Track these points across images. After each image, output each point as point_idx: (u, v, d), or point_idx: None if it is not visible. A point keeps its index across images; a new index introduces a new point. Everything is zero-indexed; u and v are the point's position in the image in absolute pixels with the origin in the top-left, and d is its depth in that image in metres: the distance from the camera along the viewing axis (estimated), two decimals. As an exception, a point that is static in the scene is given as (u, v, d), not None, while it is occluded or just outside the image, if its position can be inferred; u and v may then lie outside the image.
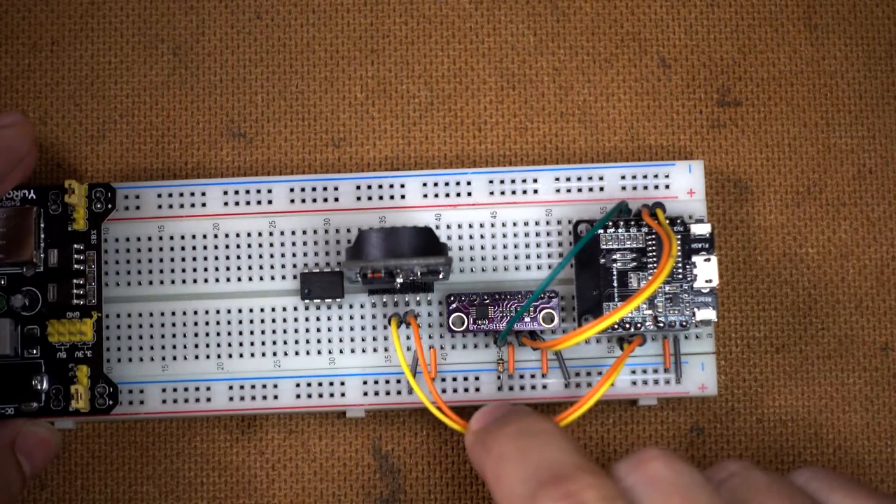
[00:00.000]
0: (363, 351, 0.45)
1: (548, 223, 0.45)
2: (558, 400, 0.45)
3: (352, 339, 0.45)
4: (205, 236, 0.45)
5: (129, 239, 0.45)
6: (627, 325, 0.43)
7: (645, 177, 0.45)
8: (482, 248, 0.45)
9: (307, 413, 0.46)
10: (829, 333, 0.47)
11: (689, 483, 0.34)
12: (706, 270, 0.43)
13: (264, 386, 0.45)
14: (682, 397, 0.45)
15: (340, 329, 0.45)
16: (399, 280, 0.43)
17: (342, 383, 0.45)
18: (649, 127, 0.48)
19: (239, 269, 0.45)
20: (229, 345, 0.45)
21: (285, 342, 0.45)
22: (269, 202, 0.45)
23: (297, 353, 0.45)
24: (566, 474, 0.33)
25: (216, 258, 0.45)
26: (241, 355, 0.45)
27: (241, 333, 0.45)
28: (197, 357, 0.45)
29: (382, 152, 0.47)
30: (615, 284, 0.44)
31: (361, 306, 0.45)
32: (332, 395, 0.45)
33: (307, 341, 0.45)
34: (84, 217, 0.45)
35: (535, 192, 0.45)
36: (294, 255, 0.45)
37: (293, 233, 0.45)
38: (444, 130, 0.48)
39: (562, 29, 0.48)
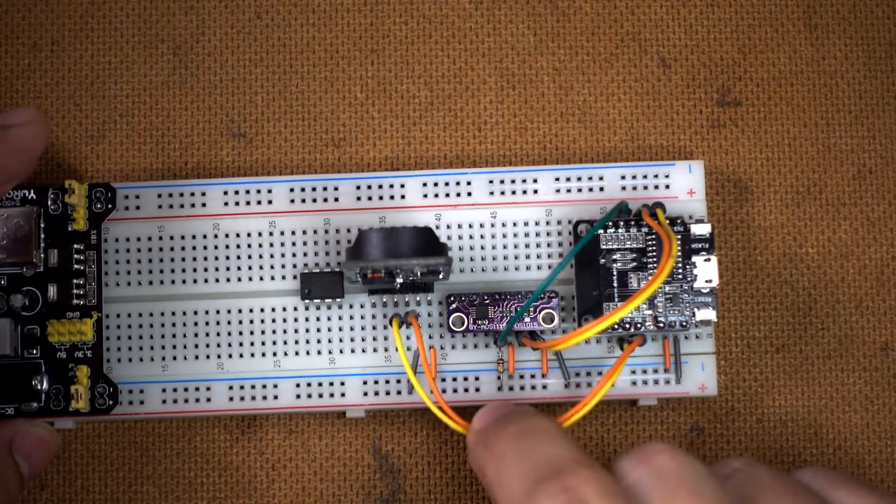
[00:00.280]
0: (363, 351, 0.45)
1: (548, 223, 0.45)
2: (558, 400, 0.45)
3: (352, 339, 0.45)
4: (205, 236, 0.45)
5: (129, 239, 0.45)
6: (627, 326, 0.43)
7: (645, 177, 0.45)
8: (482, 248, 0.45)
9: (307, 413, 0.46)
10: (829, 333, 0.47)
11: (694, 476, 0.34)
12: (706, 270, 0.43)
13: (264, 386, 0.45)
14: (682, 397, 0.45)
15: (340, 329, 0.45)
16: (399, 280, 0.43)
17: (342, 383, 0.45)
18: (649, 127, 0.48)
19: (239, 269, 0.45)
20: (229, 345, 0.45)
21: (285, 342, 0.45)
22: (269, 202, 0.45)
23: (297, 353, 0.45)
24: (564, 469, 0.33)
25: (216, 258, 0.45)
26: (241, 355, 0.45)
27: (241, 333, 0.45)
28: (197, 357, 0.45)
29: (382, 152, 0.47)
30: (615, 284, 0.44)
31: (361, 306, 0.45)
32: (332, 395, 0.45)
33: (307, 341, 0.45)
34: (84, 217, 0.45)
35: (535, 192, 0.45)
36: (294, 255, 0.45)
37: (293, 233, 0.45)
38: (444, 130, 0.48)
39: (562, 29, 0.48)
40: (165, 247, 0.45)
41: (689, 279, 0.43)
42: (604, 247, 0.44)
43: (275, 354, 0.45)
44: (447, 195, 0.45)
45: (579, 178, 0.45)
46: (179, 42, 0.48)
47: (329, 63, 0.48)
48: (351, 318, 0.45)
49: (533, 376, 0.45)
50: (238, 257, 0.45)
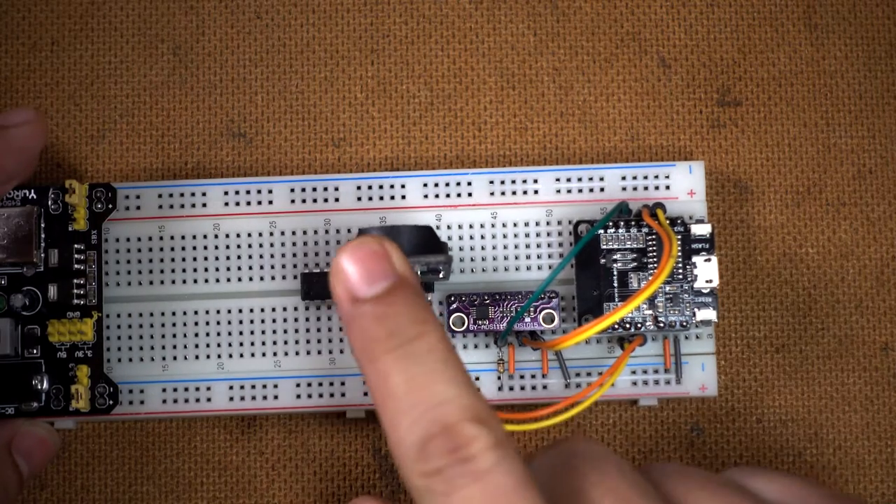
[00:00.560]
0: (363, 351, 0.45)
1: (548, 223, 0.45)
2: (559, 400, 0.45)
3: (352, 339, 0.45)
4: (205, 236, 0.45)
5: (129, 239, 0.45)
6: (628, 326, 0.43)
7: (645, 177, 0.45)
8: (482, 248, 0.45)
9: (307, 413, 0.46)
10: (829, 333, 0.47)
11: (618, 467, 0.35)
12: (706, 271, 0.43)
13: (264, 386, 0.45)
14: (683, 397, 0.45)
15: (340, 329, 0.45)
16: (399, 280, 0.43)
17: (342, 383, 0.45)
18: (649, 127, 0.48)
19: (239, 269, 0.45)
20: (229, 345, 0.45)
21: (285, 342, 0.45)
22: (270, 202, 0.45)
23: (297, 353, 0.45)
24: (452, 423, 0.33)
25: (216, 258, 0.45)
26: (241, 355, 0.45)
27: (241, 333, 0.45)
28: (197, 357, 0.45)
29: (382, 152, 0.47)
30: (615, 284, 0.44)
31: (362, 306, 0.45)
32: (332, 395, 0.45)
33: (307, 341, 0.45)
34: (84, 217, 0.45)
35: (536, 192, 0.45)
36: (294, 255, 0.45)
37: (293, 233, 0.45)
38: (444, 130, 0.48)
39: (562, 29, 0.48)
40: (166, 247, 0.45)
41: (689, 279, 0.43)
42: (604, 247, 0.44)
43: (275, 354, 0.45)
44: (447, 195, 0.45)
45: (579, 179, 0.45)
46: (179, 42, 0.48)
47: (329, 63, 0.48)
48: (351, 318, 0.45)
49: (533, 376, 0.45)
50: (238, 257, 0.45)
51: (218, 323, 0.45)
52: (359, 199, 0.45)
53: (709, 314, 0.43)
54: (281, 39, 0.48)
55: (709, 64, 0.48)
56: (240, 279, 0.45)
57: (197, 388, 0.45)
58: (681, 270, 0.43)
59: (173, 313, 0.45)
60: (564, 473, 0.35)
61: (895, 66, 0.48)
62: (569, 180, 0.45)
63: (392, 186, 0.45)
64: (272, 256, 0.45)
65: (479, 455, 0.32)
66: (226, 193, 0.45)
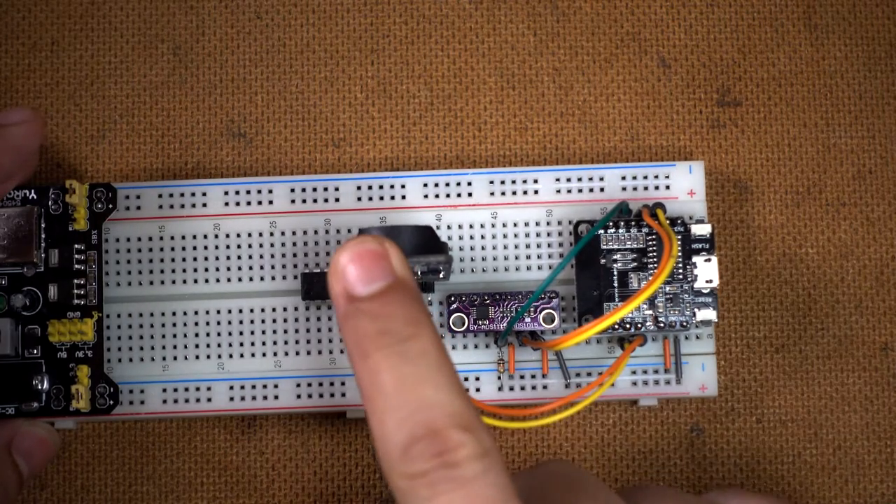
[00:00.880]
0: (363, 351, 0.45)
1: (548, 223, 0.45)
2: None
3: (352, 340, 0.45)
4: (205, 236, 0.45)
5: (129, 239, 0.45)
6: (628, 326, 0.43)
7: (645, 177, 0.45)
8: (483, 248, 0.45)
9: (307, 413, 0.46)
10: (829, 333, 0.47)
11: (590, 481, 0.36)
12: (706, 271, 0.43)
13: (264, 386, 0.45)
14: (683, 398, 0.45)
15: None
16: (400, 280, 0.43)
17: (342, 383, 0.45)
18: (649, 127, 0.48)
19: (239, 269, 0.45)
20: (230, 345, 0.45)
21: (285, 342, 0.45)
22: (270, 202, 0.45)
23: (297, 353, 0.45)
24: (439, 428, 0.33)
25: (217, 258, 0.45)
26: (241, 355, 0.45)
27: (241, 333, 0.45)
28: (197, 357, 0.45)
29: (382, 152, 0.47)
30: (615, 284, 0.44)
31: (362, 306, 0.45)
32: (332, 395, 0.45)
33: (307, 341, 0.45)
34: (85, 217, 0.45)
35: (536, 192, 0.45)
36: (294, 255, 0.45)
37: (294, 233, 0.45)
38: (444, 130, 0.48)
39: (562, 29, 0.48)
40: (166, 247, 0.45)
41: (689, 279, 0.43)
42: (604, 247, 0.44)
43: (275, 354, 0.45)
44: (448, 195, 0.45)
45: (580, 179, 0.45)
46: (179, 42, 0.48)
47: (329, 63, 0.48)
48: (351, 318, 0.45)
49: (533, 376, 0.45)
50: (238, 257, 0.45)
51: (218, 323, 0.45)
52: (359, 199, 0.45)
53: (709, 314, 0.43)
54: (281, 39, 0.48)
55: (709, 64, 0.48)
56: (240, 279, 0.45)
57: (197, 388, 0.45)
58: (681, 270, 0.43)
59: (173, 313, 0.45)
60: (544, 493, 0.35)
61: (895, 66, 0.48)
62: (569, 180, 0.45)
63: (392, 186, 0.45)
64: (272, 256, 0.45)
65: (465, 462, 0.32)
66: (226, 193, 0.45)
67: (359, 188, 0.45)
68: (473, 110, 0.48)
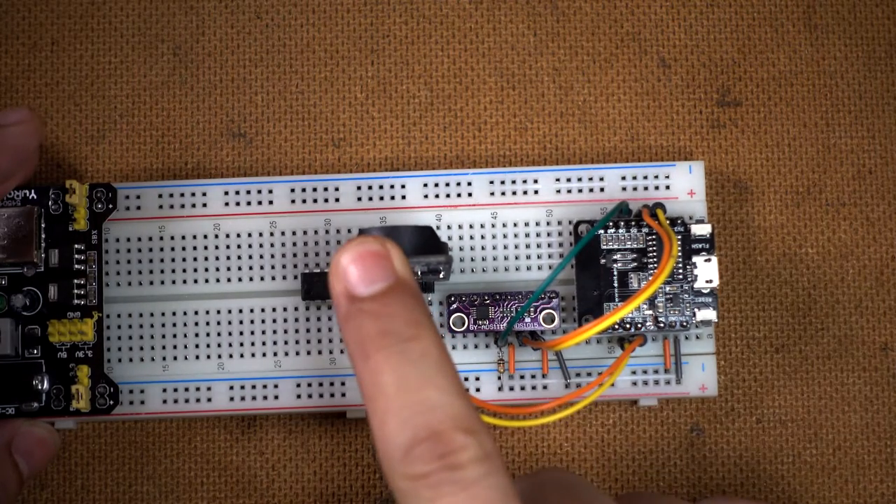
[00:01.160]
0: (364, 351, 0.45)
1: (548, 223, 0.45)
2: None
3: (352, 340, 0.45)
4: (205, 236, 0.45)
5: (129, 239, 0.45)
6: (628, 326, 0.43)
7: (645, 177, 0.45)
8: (483, 248, 0.45)
9: (307, 413, 0.46)
10: (829, 333, 0.47)
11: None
12: (706, 271, 0.43)
13: (264, 386, 0.45)
14: (683, 398, 0.45)
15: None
16: (400, 280, 0.43)
17: (342, 383, 0.45)
18: (649, 127, 0.48)
19: (239, 269, 0.45)
20: (230, 345, 0.45)
21: (285, 342, 0.45)
22: (270, 202, 0.45)
23: (297, 353, 0.45)
24: (442, 430, 0.33)
25: (217, 258, 0.45)
26: (241, 355, 0.45)
27: (241, 333, 0.45)
28: (197, 357, 0.45)
29: (382, 152, 0.47)
30: (615, 285, 0.44)
31: (362, 306, 0.45)
32: (332, 395, 0.45)
33: (307, 341, 0.45)
34: (85, 217, 0.45)
35: (536, 192, 0.45)
36: (294, 255, 0.45)
37: (294, 233, 0.45)
38: (444, 130, 0.48)
39: (562, 29, 0.48)
40: (166, 247, 0.45)
41: (689, 279, 0.43)
42: (604, 247, 0.44)
43: (275, 354, 0.45)
44: (448, 195, 0.45)
45: (580, 179, 0.45)
46: (179, 42, 0.48)
47: (329, 63, 0.48)
48: (351, 318, 0.45)
49: (533, 376, 0.45)
50: (238, 257, 0.45)
51: (218, 323, 0.45)
52: (359, 199, 0.45)
53: (709, 314, 0.43)
54: (281, 39, 0.48)
55: (709, 64, 0.48)
56: (240, 279, 0.45)
57: (197, 388, 0.45)
58: (681, 270, 0.43)
59: (173, 313, 0.45)
60: (543, 497, 0.35)
61: (895, 66, 0.48)
62: (569, 180, 0.45)
63: (392, 186, 0.45)
64: (272, 256, 0.45)
65: (467, 465, 0.32)
66: (226, 193, 0.45)
67: (359, 188, 0.45)
68: (473, 110, 0.48)
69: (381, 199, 0.45)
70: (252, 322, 0.45)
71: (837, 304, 0.47)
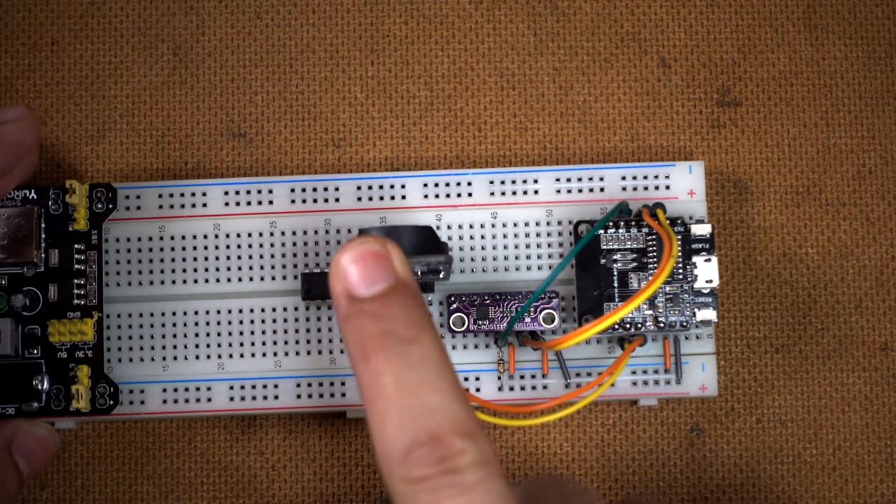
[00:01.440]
0: (364, 351, 0.45)
1: (548, 223, 0.45)
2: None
3: (352, 340, 0.45)
4: (205, 236, 0.45)
5: (129, 239, 0.45)
6: (628, 326, 0.43)
7: (645, 177, 0.45)
8: (483, 248, 0.45)
9: (307, 413, 0.46)
10: (829, 333, 0.47)
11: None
12: (706, 271, 0.43)
13: (264, 386, 0.45)
14: (683, 398, 0.45)
15: (341, 329, 0.45)
16: (400, 280, 0.43)
17: (342, 383, 0.45)
18: (649, 127, 0.48)
19: (239, 269, 0.45)
20: (230, 345, 0.45)
21: (286, 342, 0.45)
22: (270, 202, 0.45)
23: (297, 353, 0.45)
24: (442, 434, 0.33)
25: (217, 258, 0.45)
26: (241, 355, 0.45)
27: (241, 333, 0.45)
28: (197, 357, 0.45)
29: (382, 152, 0.47)
30: (615, 285, 0.44)
31: (362, 306, 0.45)
32: (332, 395, 0.45)
33: (307, 341, 0.45)
34: (85, 217, 0.45)
35: (536, 192, 0.45)
36: (294, 255, 0.45)
37: (294, 233, 0.45)
38: (444, 130, 0.48)
39: (562, 29, 0.48)
40: (166, 247, 0.45)
41: (689, 279, 0.43)
42: (604, 247, 0.44)
43: (275, 354, 0.45)
44: (448, 195, 0.45)
45: (580, 179, 0.45)
46: (179, 42, 0.48)
47: (329, 63, 0.48)
48: (351, 318, 0.45)
49: (533, 376, 0.45)
50: (238, 257, 0.45)
51: (218, 323, 0.45)
52: (359, 199, 0.45)
53: (709, 314, 0.43)
54: (281, 39, 0.48)
55: (709, 64, 0.48)
56: (240, 279, 0.45)
57: (197, 388, 0.45)
58: (681, 270, 0.43)
59: (173, 313, 0.45)
60: (543, 502, 0.35)
61: (895, 66, 0.48)
62: (569, 180, 0.45)
63: (392, 186, 0.45)
64: (272, 256, 0.45)
65: (466, 469, 0.32)
66: (226, 193, 0.45)
67: (359, 188, 0.45)
68: (473, 110, 0.48)
69: (381, 199, 0.45)
70: (252, 322, 0.45)
71: (837, 304, 0.47)
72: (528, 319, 0.44)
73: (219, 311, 0.45)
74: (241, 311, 0.45)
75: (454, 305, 0.44)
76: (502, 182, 0.45)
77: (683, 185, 0.45)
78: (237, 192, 0.45)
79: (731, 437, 0.46)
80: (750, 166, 0.47)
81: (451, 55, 0.48)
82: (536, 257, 0.45)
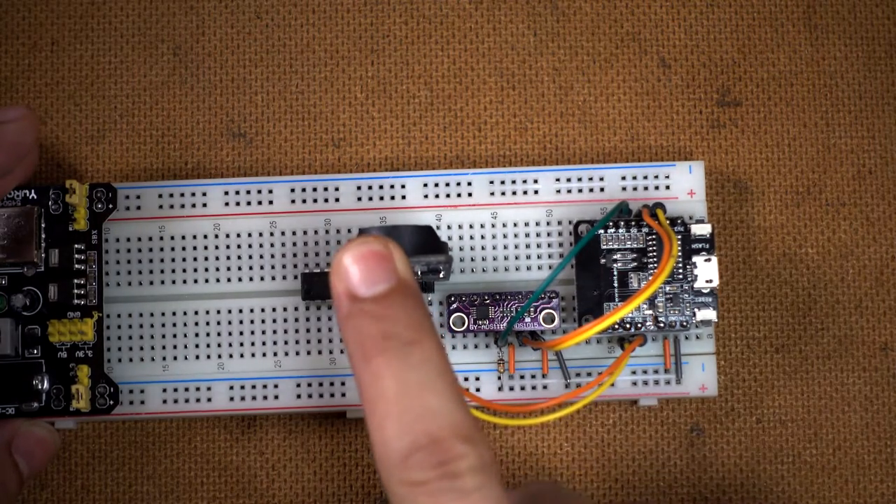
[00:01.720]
0: (364, 351, 0.45)
1: (548, 223, 0.45)
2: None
3: (352, 339, 0.45)
4: (205, 236, 0.45)
5: (129, 239, 0.45)
6: (628, 326, 0.43)
7: (645, 177, 0.45)
8: (483, 248, 0.45)
9: (307, 413, 0.46)
10: (829, 333, 0.47)
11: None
12: (706, 271, 0.43)
13: (264, 386, 0.45)
14: (683, 398, 0.45)
15: (341, 329, 0.45)
16: (400, 280, 0.43)
17: (342, 383, 0.45)
18: (649, 127, 0.48)
19: (239, 269, 0.45)
20: (230, 345, 0.45)
21: (285, 342, 0.45)
22: (270, 202, 0.45)
23: (297, 353, 0.45)
24: (442, 438, 0.33)
25: (217, 258, 0.45)
26: (241, 355, 0.45)
27: (241, 333, 0.45)
28: (197, 357, 0.45)
29: (382, 152, 0.47)
30: (615, 284, 0.44)
31: (362, 306, 0.45)
32: (332, 395, 0.45)
33: (307, 341, 0.45)
34: (85, 217, 0.45)
35: (536, 192, 0.45)
36: (294, 255, 0.45)
37: (294, 233, 0.45)
38: (444, 130, 0.48)
39: (562, 29, 0.48)
40: (166, 247, 0.45)
41: (689, 279, 0.43)
42: (604, 247, 0.44)
43: (275, 354, 0.45)
44: (448, 195, 0.45)
45: (580, 179, 0.45)
46: (179, 42, 0.48)
47: (329, 63, 0.48)
48: (351, 318, 0.45)
49: (533, 376, 0.45)
50: (238, 257, 0.45)
51: (218, 323, 0.45)
52: (359, 199, 0.45)
53: (709, 314, 0.43)
54: (281, 39, 0.48)
55: (709, 64, 0.48)
56: (240, 279, 0.45)
57: (197, 388, 0.45)
58: (681, 270, 0.43)
59: (173, 313, 0.45)
60: None
61: (895, 66, 0.48)
62: (569, 180, 0.45)
63: (392, 186, 0.45)
64: (272, 256, 0.45)
65: (466, 474, 0.32)
66: (226, 193, 0.45)
67: (359, 188, 0.45)
68: (473, 110, 0.48)
69: (381, 199, 0.45)
70: (252, 322, 0.45)
71: (837, 304, 0.47)
72: (528, 319, 0.44)
73: (219, 311, 0.45)
74: (241, 311, 0.45)
75: (454, 305, 0.44)
76: (502, 182, 0.45)
77: (683, 185, 0.45)
78: (237, 192, 0.45)
79: (731, 437, 0.46)
80: (750, 166, 0.47)
81: (451, 55, 0.48)
82: (536, 257, 0.45)
